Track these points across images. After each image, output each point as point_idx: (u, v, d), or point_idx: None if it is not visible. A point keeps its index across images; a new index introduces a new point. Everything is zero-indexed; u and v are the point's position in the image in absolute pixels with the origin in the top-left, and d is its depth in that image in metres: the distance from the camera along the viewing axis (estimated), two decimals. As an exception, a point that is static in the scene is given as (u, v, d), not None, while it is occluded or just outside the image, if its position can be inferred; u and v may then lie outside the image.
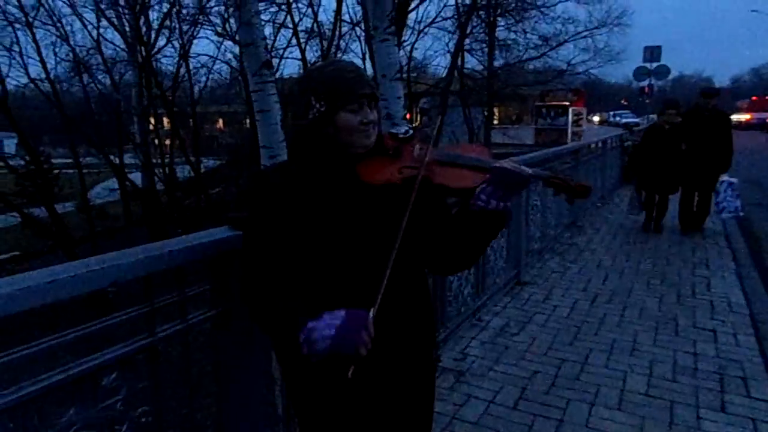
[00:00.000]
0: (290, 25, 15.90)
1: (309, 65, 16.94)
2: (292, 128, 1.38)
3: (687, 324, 3.79)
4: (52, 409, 1.27)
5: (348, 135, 1.29)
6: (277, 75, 15.70)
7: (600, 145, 8.39)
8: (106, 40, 17.76)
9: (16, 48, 15.54)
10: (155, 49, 17.83)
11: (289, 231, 1.25)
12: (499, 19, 18.09)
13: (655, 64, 17.53)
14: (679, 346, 3.45)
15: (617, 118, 38.23)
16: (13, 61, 15.40)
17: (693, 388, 2.95)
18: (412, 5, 16.40)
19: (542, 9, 18.13)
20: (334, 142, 1.30)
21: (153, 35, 17.67)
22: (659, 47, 17.86)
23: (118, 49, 18.10)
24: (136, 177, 18.24)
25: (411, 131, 1.38)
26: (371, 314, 1.13)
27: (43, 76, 16.08)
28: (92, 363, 1.35)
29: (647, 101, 19.77)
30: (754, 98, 32.44)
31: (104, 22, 17.11)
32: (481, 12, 17.71)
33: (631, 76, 19.72)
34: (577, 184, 1.23)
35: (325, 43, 16.74)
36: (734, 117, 25.18)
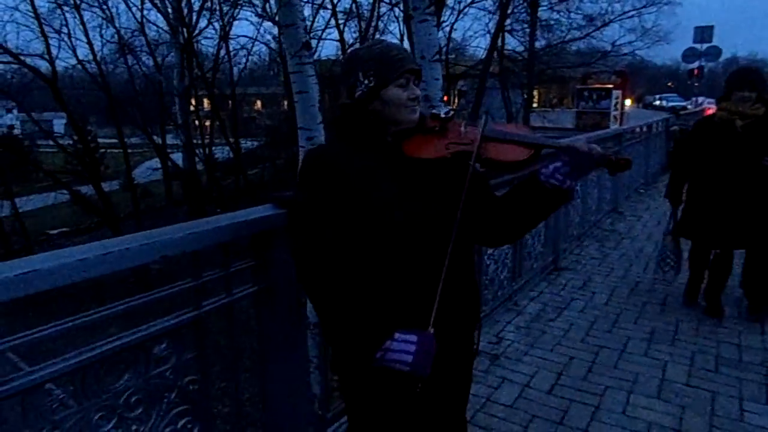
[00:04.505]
0: (329, 6, 15.85)
1: (347, 46, 16.91)
2: (339, 107, 1.41)
3: (732, 314, 3.67)
4: (108, 376, 1.35)
5: (395, 110, 1.33)
6: (315, 56, 15.75)
7: (645, 129, 8.14)
8: (149, 21, 18.20)
9: (65, 30, 16.05)
10: (196, 31, 18.15)
11: (346, 207, 1.27)
12: (542, -2, 17.60)
13: (705, 45, 16.81)
14: (723, 337, 3.36)
15: (664, 102, 36.80)
16: (62, 43, 15.92)
17: (736, 380, 2.87)
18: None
19: (587, -13, 17.55)
20: (380, 118, 1.35)
21: (194, 17, 17.95)
22: (711, 27, 17.11)
23: (161, 30, 18.48)
24: (178, 157, 18.68)
25: (452, 112, 1.41)
26: (431, 330, 1.22)
27: (90, 57, 16.56)
28: (145, 333, 1.41)
29: (696, 84, 19.00)
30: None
31: (147, 4, 17.46)
32: (523, -9, 17.30)
33: (678, 57, 18.98)
34: (618, 158, 1.28)
35: (363, 24, 16.63)
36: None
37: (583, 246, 5.31)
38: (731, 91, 3.34)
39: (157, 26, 18.41)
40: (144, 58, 18.85)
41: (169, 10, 17.70)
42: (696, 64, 17.46)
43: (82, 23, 16.27)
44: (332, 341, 1.40)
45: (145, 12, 17.79)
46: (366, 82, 1.32)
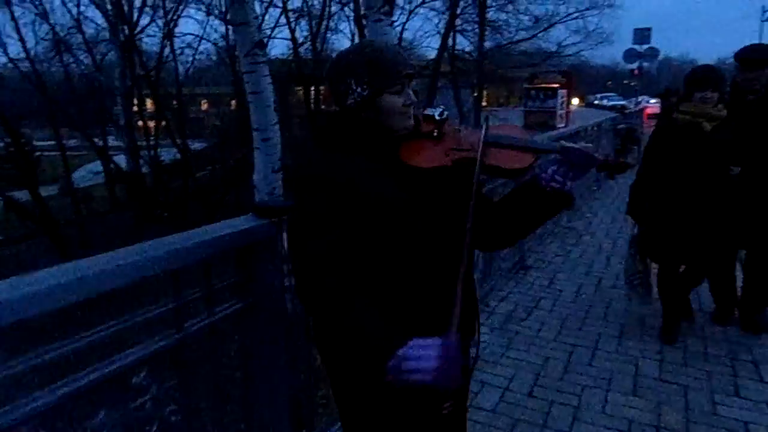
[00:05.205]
0: (279, 4, 15.56)
1: (298, 45, 16.65)
2: (326, 116, 1.30)
3: (695, 308, 3.79)
4: (82, 413, 1.20)
5: (390, 118, 1.25)
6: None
7: (596, 128, 8.41)
8: (86, 18, 17.29)
9: (-7, 26, 15.03)
10: (138, 28, 17.42)
11: (352, 218, 1.17)
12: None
13: (645, 46, 17.53)
14: (687, 330, 3.44)
15: (605, 101, 38.33)
16: (-10, 40, 14.92)
17: (706, 373, 2.95)
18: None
19: (533, -12, 18.01)
20: (376, 127, 1.26)
21: (136, 13, 17.23)
22: (649, 29, 17.84)
23: (99, 27, 17.62)
24: (121, 160, 17.87)
25: (446, 112, 1.34)
26: (455, 334, 1.06)
27: (23, 56, 15.61)
28: (123, 362, 1.27)
29: (633, 84, 19.85)
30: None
31: (84, 0, 16.61)
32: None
33: (615, 57, 19.79)
34: (620, 161, 1.27)
35: (314, 23, 16.42)
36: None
37: (546, 244, 5.38)
38: (691, 92, 3.01)
39: (95, 23, 17.56)
40: (82, 57, 17.96)
41: (108, 6, 16.90)
42: (636, 65, 18.18)
43: (13, 19, 15.32)
44: (334, 356, 1.31)
45: (81, 8, 16.90)
46: (359, 90, 1.22)
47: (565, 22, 18.92)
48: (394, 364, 1.02)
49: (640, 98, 19.72)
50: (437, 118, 1.31)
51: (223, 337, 1.63)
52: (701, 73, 3.07)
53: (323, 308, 1.15)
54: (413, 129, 1.30)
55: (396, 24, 16.92)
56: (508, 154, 1.27)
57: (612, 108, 28.32)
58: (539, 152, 1.27)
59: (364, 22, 17.06)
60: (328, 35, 17.18)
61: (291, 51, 17.35)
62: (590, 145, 1.27)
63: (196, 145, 20.13)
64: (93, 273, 1.15)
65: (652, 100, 22.09)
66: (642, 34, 17.64)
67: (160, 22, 17.39)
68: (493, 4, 18.23)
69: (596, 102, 41.56)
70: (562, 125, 18.16)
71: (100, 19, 17.20)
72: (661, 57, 21.29)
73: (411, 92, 1.27)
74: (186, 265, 1.40)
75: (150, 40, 18.30)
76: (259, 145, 6.26)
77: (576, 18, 19.09)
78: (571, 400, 2.73)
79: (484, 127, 1.29)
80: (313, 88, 17.90)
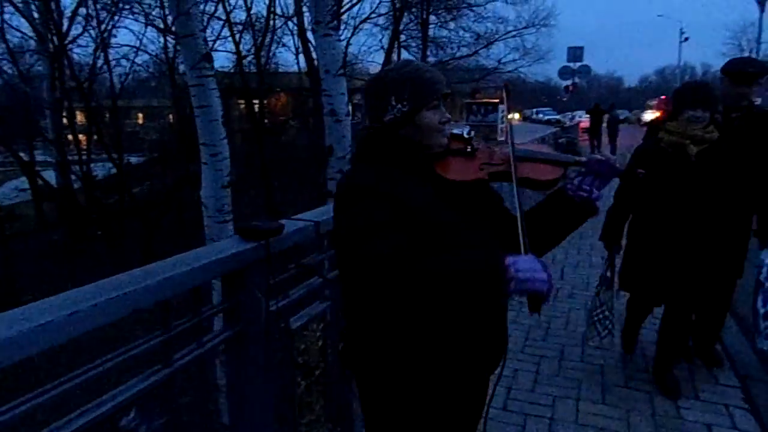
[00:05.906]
0: (222, 17, 15.26)
1: (242, 57, 16.35)
2: (365, 131, 1.35)
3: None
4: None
5: (428, 135, 1.31)
6: (207, 68, 14.97)
7: (540, 141, 8.74)
8: (11, 26, 16.27)
9: None
10: (69, 38, 16.58)
11: (402, 228, 1.17)
12: (432, 17, 18.34)
13: (578, 64, 18.45)
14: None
15: (540, 115, 39.92)
16: None
17: (666, 379, 3.07)
18: (347, 4, 16.33)
19: (473, 7, 18.60)
20: (413, 143, 1.31)
21: (66, 23, 16.41)
22: (581, 48, 18.83)
23: (25, 36, 16.62)
24: (51, 176, 16.85)
25: (473, 132, 1.41)
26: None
27: (-61, 64, 14.49)
28: (112, 403, 1.16)
29: (565, 99, 20.83)
30: (663, 97, 34.78)
31: (8, 7, 15.64)
32: (414, 9, 17.90)
33: (548, 74, 20.67)
34: (637, 170, 1.36)
35: (258, 37, 16.20)
36: (647, 116, 27.03)
37: (501, 256, 5.47)
38: (680, 111, 2.70)
39: (21, 32, 16.54)
40: (5, 67, 16.85)
41: (35, 14, 16.00)
42: (570, 81, 19.10)
43: (-72, 26, 14.21)
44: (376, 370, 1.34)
45: (5, 16, 15.89)
46: (399, 106, 1.28)
47: (504, 39, 19.63)
48: (514, 270, 1.06)
49: (577, 114, 20.68)
50: (466, 136, 1.38)
51: (211, 367, 1.53)
52: (691, 89, 2.75)
53: (407, 289, 1.11)
54: (446, 147, 1.35)
55: (342, 39, 16.99)
56: (538, 167, 1.34)
57: (548, 122, 29.55)
58: (566, 164, 1.35)
59: (309, 36, 17.03)
60: (273, 48, 17.01)
61: (233, 64, 17.01)
62: (614, 156, 1.32)
63: (132, 159, 19.30)
64: (86, 307, 1.05)
65: (585, 115, 23.26)
66: (575, 53, 18.59)
67: (93, 32, 16.61)
68: (435, 21, 18.67)
69: (533, 117, 43.19)
70: (503, 139, 18.73)
71: (26, 28, 16.23)
72: (591, 74, 22.44)
73: (445, 111, 1.33)
74: (175, 294, 1.31)
75: (82, 51, 17.43)
76: (207, 160, 6.03)
77: (514, 36, 19.86)
78: (545, 411, 2.77)
79: (510, 142, 1.34)
80: (257, 101, 17.60)
